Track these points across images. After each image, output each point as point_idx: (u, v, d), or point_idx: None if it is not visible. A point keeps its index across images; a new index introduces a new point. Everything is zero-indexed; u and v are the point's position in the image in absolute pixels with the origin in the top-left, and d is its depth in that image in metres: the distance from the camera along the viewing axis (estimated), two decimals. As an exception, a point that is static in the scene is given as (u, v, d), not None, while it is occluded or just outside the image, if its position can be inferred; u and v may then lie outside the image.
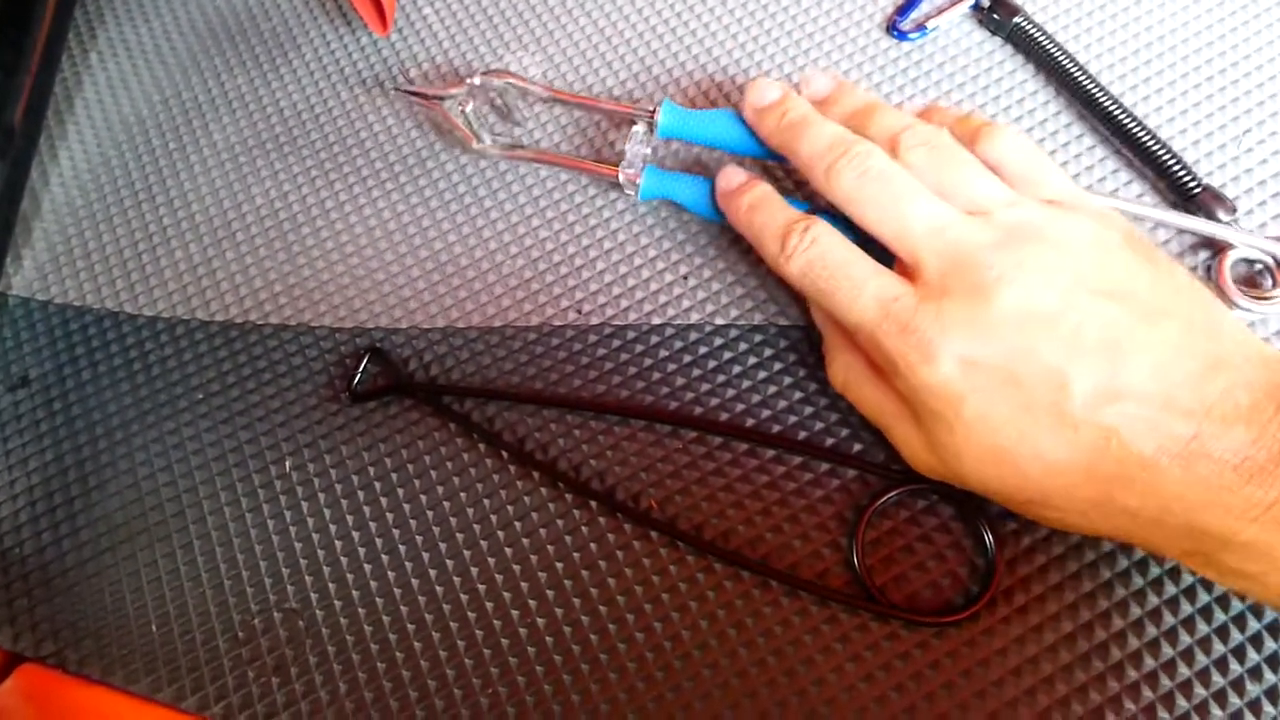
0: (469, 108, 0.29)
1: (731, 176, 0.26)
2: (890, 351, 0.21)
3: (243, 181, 0.33)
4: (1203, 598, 0.23)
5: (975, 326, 0.20)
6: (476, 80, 0.30)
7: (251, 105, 0.34)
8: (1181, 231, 0.27)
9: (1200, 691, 0.22)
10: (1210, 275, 0.27)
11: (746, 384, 0.27)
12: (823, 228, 0.23)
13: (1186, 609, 0.23)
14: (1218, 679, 0.23)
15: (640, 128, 0.28)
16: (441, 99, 0.30)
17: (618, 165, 0.28)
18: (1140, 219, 0.27)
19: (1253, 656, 0.23)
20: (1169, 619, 0.23)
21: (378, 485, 0.27)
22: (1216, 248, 0.27)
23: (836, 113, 0.25)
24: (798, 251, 0.23)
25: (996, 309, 0.20)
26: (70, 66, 0.36)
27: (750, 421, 0.26)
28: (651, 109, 0.28)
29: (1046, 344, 0.20)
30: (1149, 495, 0.20)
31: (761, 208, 0.24)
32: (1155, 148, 0.28)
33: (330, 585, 0.26)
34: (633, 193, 0.28)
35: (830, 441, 0.26)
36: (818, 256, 0.23)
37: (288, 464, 0.28)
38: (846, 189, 0.23)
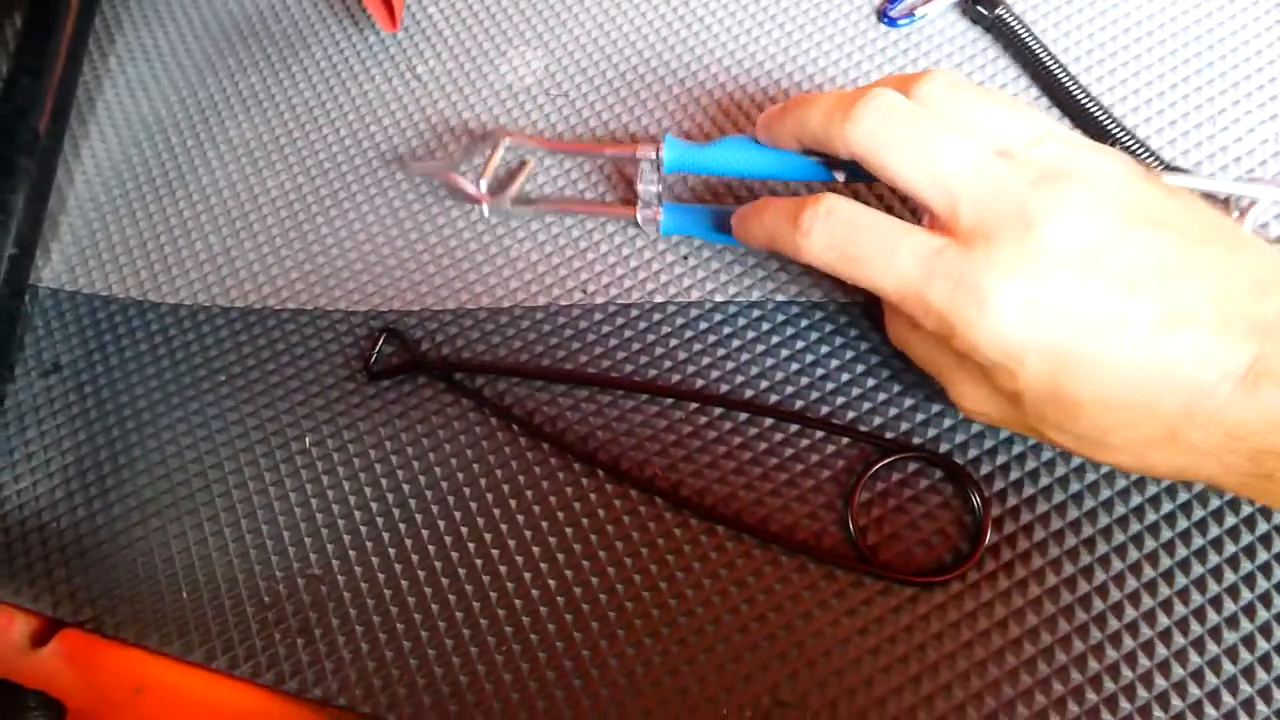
0: (482, 163, 0.30)
1: (740, 209, 0.25)
2: (943, 311, 0.20)
3: (258, 175, 0.34)
4: (1180, 552, 0.24)
5: (1029, 267, 0.19)
6: (479, 144, 0.30)
7: (265, 103, 0.36)
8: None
9: (1179, 640, 0.24)
10: None
11: (745, 357, 0.28)
12: (835, 197, 0.22)
13: (1165, 562, 0.24)
14: (1196, 628, 0.24)
15: (646, 164, 0.28)
16: (449, 168, 0.31)
17: (634, 205, 0.29)
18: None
19: (1229, 606, 0.24)
20: (1149, 572, 0.24)
21: (394, 458, 0.28)
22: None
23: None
24: (815, 225, 0.21)
25: (1049, 247, 0.19)
26: (91, 70, 0.38)
27: (749, 393, 0.28)
28: (655, 147, 0.27)
29: (1103, 279, 0.19)
30: (1212, 425, 0.19)
31: (768, 206, 0.23)
32: (1120, 135, 0.29)
33: (351, 552, 0.27)
34: (653, 230, 0.29)
35: (825, 410, 0.27)
36: (839, 224, 0.21)
37: (307, 440, 0.29)
38: (869, 132, 0.21)
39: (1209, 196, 0.28)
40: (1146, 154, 0.28)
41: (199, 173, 0.35)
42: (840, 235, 0.21)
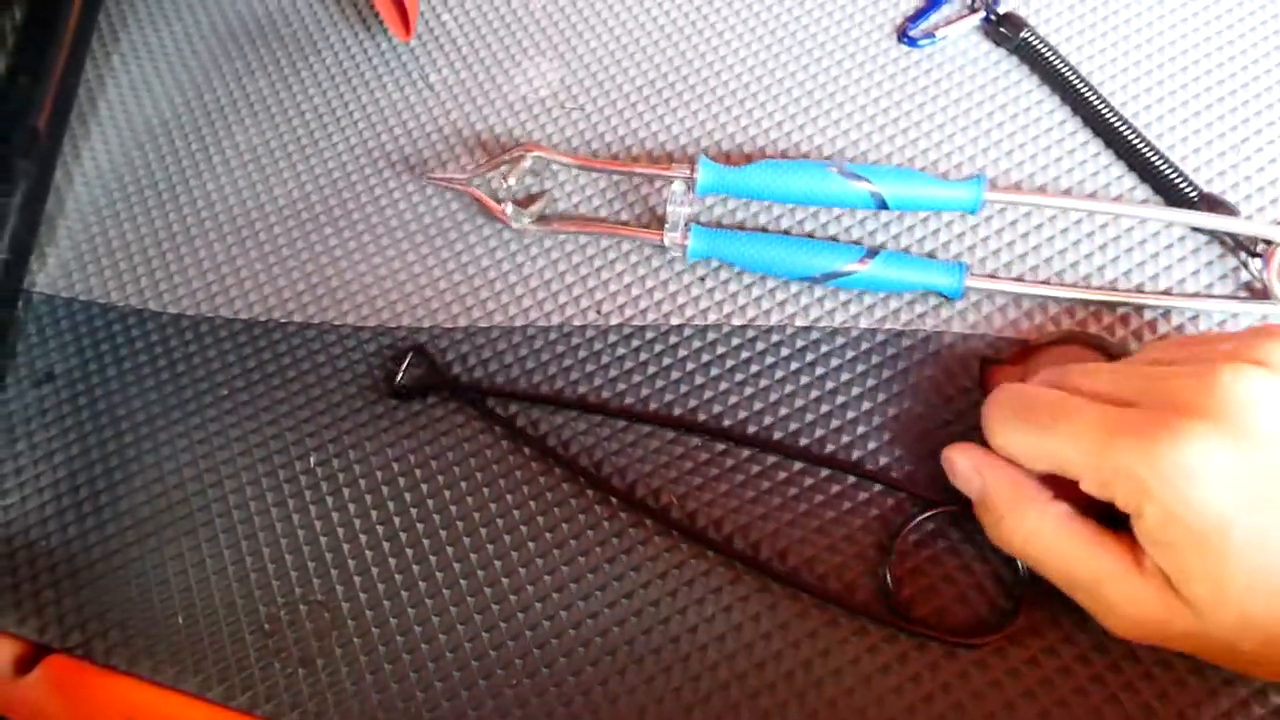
0: (510, 180, 0.29)
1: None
2: (1143, 476, 0.19)
3: (265, 182, 0.33)
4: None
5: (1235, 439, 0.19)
6: (506, 159, 0.30)
7: (273, 107, 0.35)
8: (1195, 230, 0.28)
9: (1240, 692, 0.22)
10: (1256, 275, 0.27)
11: (764, 383, 0.27)
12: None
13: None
14: (1242, 688, 0.23)
15: (679, 186, 0.27)
16: (470, 181, 0.30)
17: (660, 227, 0.28)
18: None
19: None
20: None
21: (402, 480, 0.28)
22: (1252, 248, 0.27)
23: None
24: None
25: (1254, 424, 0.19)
26: (94, 69, 0.37)
27: (768, 420, 0.27)
28: (689, 168, 0.27)
29: None
30: None
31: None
32: (1153, 158, 0.28)
33: (356, 578, 0.26)
34: (679, 254, 0.28)
35: (857, 454, 0.26)
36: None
37: (312, 459, 0.28)
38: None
39: (1232, 236, 0.27)
40: (1183, 180, 0.28)
41: (203, 178, 0.34)
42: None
